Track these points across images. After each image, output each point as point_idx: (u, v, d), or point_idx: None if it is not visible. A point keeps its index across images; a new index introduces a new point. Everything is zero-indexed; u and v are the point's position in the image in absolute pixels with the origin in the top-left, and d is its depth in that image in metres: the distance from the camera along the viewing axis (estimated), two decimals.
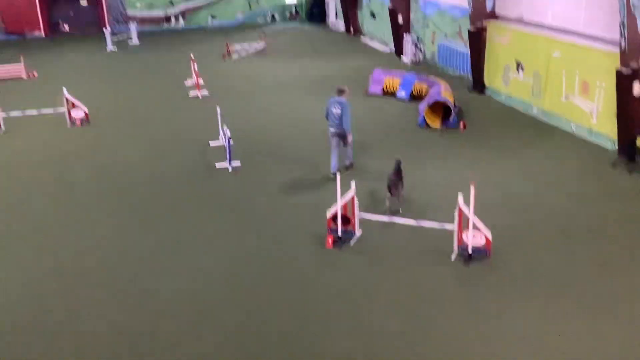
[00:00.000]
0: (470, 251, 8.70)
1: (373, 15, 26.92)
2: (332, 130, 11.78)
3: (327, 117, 11.86)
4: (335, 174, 10.58)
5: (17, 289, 8.36)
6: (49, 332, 7.40)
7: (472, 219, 8.56)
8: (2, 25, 30.84)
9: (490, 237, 8.71)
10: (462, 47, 19.36)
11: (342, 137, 11.82)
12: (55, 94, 17.67)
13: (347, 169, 12.16)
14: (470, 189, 8.38)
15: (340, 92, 11.76)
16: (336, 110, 11.59)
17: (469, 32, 17.53)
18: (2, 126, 15.40)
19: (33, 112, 16.12)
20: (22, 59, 21.90)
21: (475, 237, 8.68)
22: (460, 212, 8.68)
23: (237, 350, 7.03)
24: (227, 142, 12.31)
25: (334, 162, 11.83)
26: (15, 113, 15.84)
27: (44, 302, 8.05)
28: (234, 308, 7.83)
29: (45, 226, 10.24)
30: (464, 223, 8.72)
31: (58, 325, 7.54)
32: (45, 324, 7.57)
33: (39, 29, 31.19)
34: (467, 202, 8.58)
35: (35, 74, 21.81)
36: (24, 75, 21.51)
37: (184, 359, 6.91)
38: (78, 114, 15.78)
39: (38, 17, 30.93)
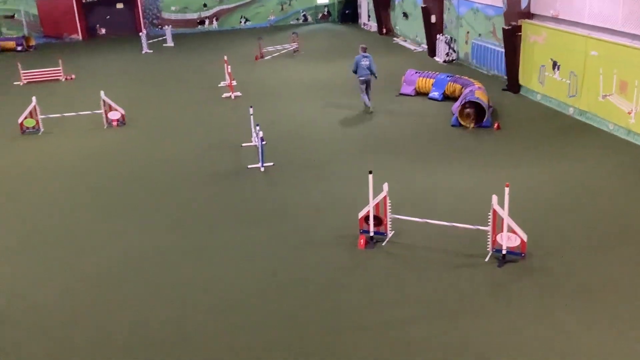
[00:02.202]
0: (504, 252, 8.59)
1: (405, 15, 26.78)
2: (362, 79, 15.86)
3: (355, 71, 15.92)
4: (369, 108, 15.93)
5: (53, 287, 8.54)
6: (85, 326, 7.56)
7: (507, 220, 8.45)
8: (41, 29, 31.60)
9: (525, 238, 8.58)
10: (497, 46, 19.13)
11: (368, 83, 15.96)
12: (92, 96, 18.03)
13: (369, 110, 16.07)
14: (504, 190, 8.27)
15: (364, 49, 16.02)
16: (365, 63, 15.75)
17: (504, 31, 17.31)
18: (41, 127, 15.78)
19: (71, 113, 16.47)
20: (60, 62, 22.41)
21: (510, 238, 8.56)
22: (495, 213, 8.58)
23: (268, 354, 7.06)
24: (260, 143, 12.39)
25: (367, 100, 16.10)
26: (53, 114, 16.22)
27: (79, 301, 8.21)
28: (262, 308, 7.86)
29: (79, 225, 10.45)
30: (498, 225, 8.61)
31: (90, 320, 7.70)
32: (78, 320, 7.73)
33: (77, 32, 31.88)
34: (501, 203, 8.47)
35: (73, 76, 22.29)
36: (62, 78, 22.01)
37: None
38: (114, 115, 16.07)
39: (76, 21, 31.64)
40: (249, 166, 12.70)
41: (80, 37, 31.92)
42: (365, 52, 15.85)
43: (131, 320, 7.71)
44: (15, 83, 21.67)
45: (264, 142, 12.50)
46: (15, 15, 31.33)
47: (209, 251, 9.38)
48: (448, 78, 17.33)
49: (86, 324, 7.65)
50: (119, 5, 32.35)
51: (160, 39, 29.50)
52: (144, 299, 8.16)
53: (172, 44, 28.59)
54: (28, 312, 7.94)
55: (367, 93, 16.16)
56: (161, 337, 7.35)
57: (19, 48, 29.10)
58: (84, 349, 7.17)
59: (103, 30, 32.69)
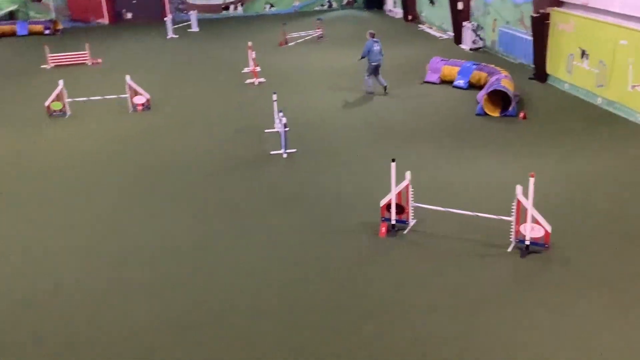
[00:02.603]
0: (527, 243, 8.51)
1: (432, 1, 26.49)
2: (375, 64, 16.33)
3: (366, 55, 16.32)
4: (373, 93, 16.52)
5: (79, 269, 8.69)
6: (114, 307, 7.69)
7: (531, 210, 8.37)
8: (69, 13, 31.89)
9: (549, 229, 8.49)
10: (524, 34, 18.84)
11: (378, 67, 16.44)
12: (117, 80, 18.19)
13: (386, 90, 16.62)
14: (529, 181, 8.19)
15: (373, 34, 16.54)
16: (377, 47, 16.22)
17: (532, 19, 17.03)
18: (68, 110, 15.98)
19: (97, 97, 16.65)
20: (87, 46, 22.61)
21: (534, 229, 8.48)
22: (519, 203, 8.50)
23: (290, 339, 7.11)
24: (283, 129, 12.40)
25: (371, 85, 16.65)
26: (79, 98, 16.41)
27: (104, 283, 8.34)
28: (284, 294, 7.91)
29: (103, 208, 10.59)
30: (521, 215, 8.53)
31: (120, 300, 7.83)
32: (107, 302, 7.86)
33: (104, 17, 32.12)
34: (525, 194, 8.39)
35: (99, 60, 22.49)
36: (89, 62, 22.22)
37: (247, 348, 7.03)
38: (140, 100, 16.20)
39: (102, 6, 31.87)
40: (272, 152, 12.74)
41: (106, 21, 32.17)
42: (374, 37, 16.40)
43: (154, 303, 7.81)
44: (42, 66, 21.94)
45: (287, 129, 12.51)
46: None
47: (231, 236, 9.45)
48: (474, 66, 17.13)
49: (111, 307, 7.77)
50: None
51: (185, 24, 29.58)
52: (168, 283, 8.25)
53: (197, 29, 28.66)
54: (55, 294, 8.09)
55: (378, 75, 16.70)
56: (184, 320, 7.44)
57: (47, 32, 29.41)
58: (109, 333, 7.29)
59: (129, 15, 32.88)
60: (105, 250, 9.18)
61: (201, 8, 32.77)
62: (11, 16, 31.40)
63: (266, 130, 14.06)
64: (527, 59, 18.75)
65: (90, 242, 9.43)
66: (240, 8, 33.63)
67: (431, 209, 9.44)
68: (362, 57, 16.57)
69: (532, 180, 8.19)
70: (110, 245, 9.30)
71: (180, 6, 32.86)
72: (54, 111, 15.92)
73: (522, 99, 15.46)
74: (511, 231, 8.75)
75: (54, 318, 7.56)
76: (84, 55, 22.29)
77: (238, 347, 6.93)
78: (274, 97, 14.06)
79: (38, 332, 7.30)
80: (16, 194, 11.29)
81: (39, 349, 7.01)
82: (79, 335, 7.21)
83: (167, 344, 7.02)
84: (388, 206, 9.30)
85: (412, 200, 9.34)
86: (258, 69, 19.16)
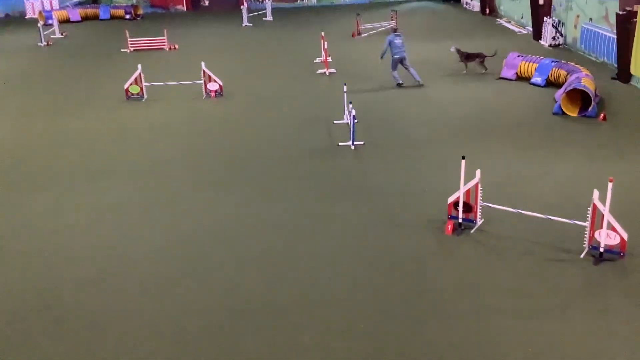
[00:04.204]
0: (602, 250, 8.16)
1: None
2: (397, 57, 16.42)
3: (388, 49, 16.45)
4: (402, 83, 16.74)
5: (148, 247, 8.96)
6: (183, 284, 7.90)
7: (607, 216, 8.00)
8: (148, 0, 32.87)
9: (625, 237, 8.10)
10: (608, 32, 18.01)
11: (403, 60, 16.52)
12: (193, 66, 18.63)
13: (420, 84, 16.76)
14: (607, 185, 7.83)
15: (395, 29, 17.44)
16: (399, 41, 16.37)
17: (617, 16, 16.24)
18: (145, 94, 16.49)
19: (173, 82, 17.10)
20: (165, 31, 23.24)
21: (609, 236, 8.11)
22: (595, 208, 8.14)
23: (347, 335, 7.10)
24: (352, 121, 12.36)
25: (399, 77, 16.76)
26: (156, 82, 16.90)
27: (172, 263, 8.57)
28: (348, 286, 7.89)
29: (175, 190, 10.87)
30: (597, 221, 8.18)
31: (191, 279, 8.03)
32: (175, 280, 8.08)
33: (182, 3, 32.94)
34: (602, 199, 8.03)
35: (177, 46, 23.08)
36: (166, 47, 22.84)
37: (313, 335, 7.08)
38: (213, 86, 16.53)
39: None
40: (340, 144, 12.72)
41: (184, 8, 32.96)
42: (396, 32, 16.83)
43: (219, 286, 7.97)
44: (122, 50, 22.73)
45: (356, 120, 12.46)
46: None
47: (297, 225, 9.51)
48: (553, 63, 16.52)
49: (181, 286, 7.98)
50: None
51: (260, 12, 29.94)
52: (234, 267, 8.40)
53: (271, 18, 28.97)
54: (125, 269, 8.38)
55: (408, 68, 16.76)
56: (246, 305, 7.54)
57: (128, 16, 30.48)
58: (178, 312, 7.49)
59: (207, 2, 33.59)
60: (179, 229, 9.42)
61: None
62: (95, 0, 32.68)
63: (335, 121, 14.05)
64: (610, 58, 17.95)
65: (164, 221, 9.70)
66: None
67: (500, 209, 9.19)
68: (383, 54, 16.73)
69: (610, 185, 7.83)
70: (183, 226, 9.54)
71: None
72: (132, 94, 16.46)
73: (603, 100, 14.81)
74: (585, 237, 8.40)
75: (124, 296, 7.83)
76: (162, 40, 22.93)
77: (304, 335, 6.97)
78: (344, 88, 14.03)
79: (108, 310, 7.58)
80: (91, 172, 11.75)
81: (107, 327, 7.27)
82: (148, 314, 7.44)
83: (233, 326, 7.14)
84: (455, 204, 9.12)
85: (481, 200, 9.12)
86: (329, 59, 19.15)
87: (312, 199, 10.39)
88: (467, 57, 18.13)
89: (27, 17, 31.84)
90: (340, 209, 9.98)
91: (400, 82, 16.75)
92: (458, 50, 18.23)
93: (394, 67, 16.70)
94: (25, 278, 8.22)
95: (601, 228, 8.10)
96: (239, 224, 9.58)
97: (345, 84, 14.14)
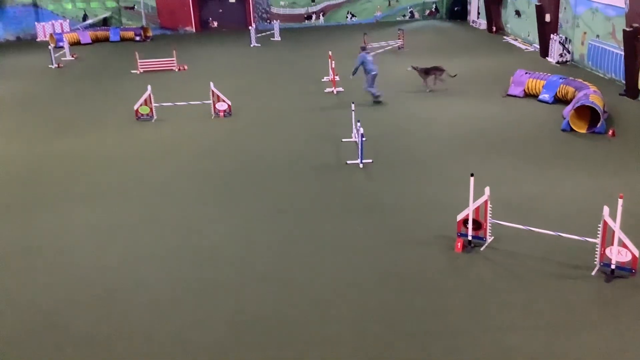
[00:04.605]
0: (613, 267, 8.10)
1: (518, 13, 25.85)
2: (374, 73, 16.89)
3: (360, 67, 16.94)
4: (380, 95, 17.25)
5: (158, 265, 8.98)
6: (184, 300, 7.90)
7: (618, 233, 7.96)
8: (158, 21, 33.26)
9: (637, 254, 8.04)
10: (615, 48, 18.04)
11: (375, 76, 17.02)
12: (202, 86, 18.78)
13: (378, 100, 17.27)
14: (617, 202, 7.80)
15: (365, 48, 17.57)
16: (371, 58, 17.01)
17: (624, 33, 16.28)
18: (155, 114, 16.63)
19: (182, 103, 17.24)
20: (174, 52, 23.48)
21: (620, 253, 8.06)
22: (605, 225, 8.10)
23: (356, 353, 7.07)
24: (360, 139, 12.40)
25: (376, 91, 17.22)
26: (166, 103, 17.04)
27: (181, 280, 8.58)
28: (357, 303, 7.87)
29: (184, 208, 10.91)
30: (607, 237, 8.13)
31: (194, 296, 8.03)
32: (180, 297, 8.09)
33: (191, 25, 33.31)
34: (613, 215, 7.99)
35: (186, 67, 23.30)
36: (176, 68, 23.06)
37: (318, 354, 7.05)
38: (222, 106, 16.65)
39: (191, 14, 33.07)
40: (348, 162, 12.75)
41: (193, 29, 33.33)
42: (365, 49, 17.46)
43: (228, 303, 7.96)
44: (132, 71, 22.96)
45: (364, 139, 12.50)
46: (135, 7, 33.18)
47: (305, 242, 9.51)
48: (561, 80, 16.55)
49: (189, 304, 7.98)
50: (232, 0, 33.46)
51: (268, 33, 30.20)
52: (242, 284, 8.40)
53: (279, 38, 29.22)
54: (136, 288, 8.40)
55: (374, 84, 17.24)
56: (254, 323, 7.53)
57: (137, 38, 30.80)
58: (185, 329, 7.48)
59: (215, 24, 33.94)
60: (188, 247, 9.44)
61: (284, 18, 33.41)
62: (105, 22, 33.11)
63: (343, 140, 14.10)
64: (617, 74, 17.95)
65: (171, 239, 9.74)
66: (321, 18, 34.02)
67: (510, 227, 9.16)
68: (356, 70, 17.08)
69: (620, 202, 7.80)
70: (192, 243, 9.56)
71: (264, 15, 33.60)
72: (142, 115, 16.60)
73: (612, 116, 14.79)
74: (596, 254, 8.35)
75: (133, 313, 7.84)
76: (172, 61, 23.16)
77: (313, 353, 6.94)
78: (352, 106, 14.09)
79: (118, 325, 7.59)
80: (101, 192, 11.82)
81: (117, 342, 7.28)
82: (157, 331, 7.44)
83: (240, 344, 7.12)
84: (465, 221, 9.10)
85: (490, 217, 9.09)
86: (337, 78, 19.27)
87: (320, 217, 10.39)
88: (425, 72, 18.51)
89: (38, 39, 32.26)
90: (349, 227, 9.98)
91: (379, 94, 17.26)
92: (415, 68, 18.67)
93: (371, 84, 17.12)
94: (30, 296, 8.25)
95: (612, 245, 8.06)
96: (247, 242, 9.60)
97: (353, 103, 14.21)
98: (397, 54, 24.29)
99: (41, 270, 8.97)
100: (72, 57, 26.61)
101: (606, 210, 8.08)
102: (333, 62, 19.32)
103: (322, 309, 7.78)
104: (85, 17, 33.14)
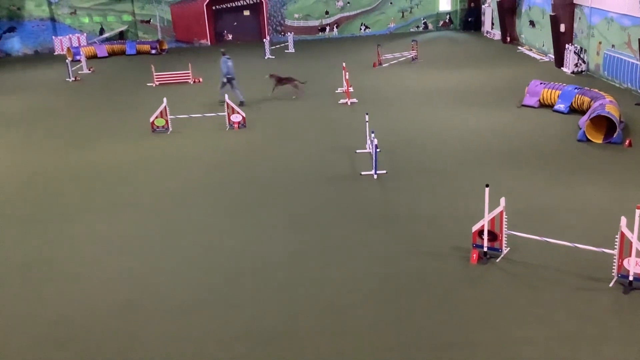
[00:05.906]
0: (631, 279, 8.01)
1: (532, 23, 25.79)
2: (229, 76, 18.52)
3: (228, 73, 18.46)
4: (243, 102, 18.71)
5: (174, 276, 9.02)
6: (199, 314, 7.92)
7: (636, 244, 7.87)
8: (174, 34, 33.60)
9: None
10: (631, 58, 17.93)
11: (232, 80, 18.62)
12: (216, 98, 18.91)
13: (242, 104, 18.47)
14: (635, 212, 7.72)
15: (224, 53, 18.81)
16: (230, 64, 18.52)
17: None
18: (170, 126, 16.76)
19: (197, 115, 17.36)
20: (189, 65, 23.69)
21: (638, 264, 7.96)
22: (622, 236, 8.02)
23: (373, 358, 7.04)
24: (374, 150, 12.41)
25: (240, 95, 18.85)
26: (181, 115, 17.18)
27: (197, 291, 8.61)
28: (372, 314, 7.85)
29: (200, 219, 10.97)
30: (625, 249, 8.05)
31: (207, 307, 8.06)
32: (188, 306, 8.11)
33: (206, 37, 33.59)
34: (630, 226, 7.91)
35: (201, 79, 23.48)
36: (191, 81, 23.25)
37: None
38: (236, 118, 16.75)
39: (206, 27, 33.37)
40: (362, 173, 12.75)
41: (209, 42, 33.60)
42: (225, 54, 18.79)
43: (243, 314, 7.98)
44: (148, 84, 23.18)
45: (378, 150, 12.50)
46: (151, 21, 33.55)
47: (321, 253, 9.51)
48: (576, 90, 16.46)
49: (201, 314, 8.00)
50: (246, 12, 33.73)
51: (282, 45, 30.38)
52: (257, 295, 8.41)
53: (293, 50, 29.37)
54: (153, 298, 8.45)
55: (235, 89, 18.81)
56: (270, 333, 7.54)
57: (153, 51, 31.12)
58: (199, 341, 7.51)
59: (230, 36, 34.20)
60: (204, 257, 9.48)
61: (298, 30, 33.59)
62: (121, 36, 33.50)
63: (357, 151, 14.11)
64: (634, 83, 17.82)
65: (187, 250, 9.78)
66: (335, 30, 34.16)
67: (526, 237, 9.10)
68: (228, 76, 18.55)
69: (638, 212, 7.72)
70: (208, 254, 9.61)
71: (278, 28, 33.81)
72: (157, 127, 16.74)
73: (628, 126, 14.68)
74: (614, 265, 8.26)
75: (151, 322, 7.87)
76: (187, 74, 23.36)
77: None
78: (366, 117, 14.11)
79: (137, 336, 7.63)
80: (118, 204, 11.92)
81: (135, 352, 7.31)
82: (174, 341, 7.46)
83: (257, 354, 7.12)
84: (480, 232, 9.05)
85: (506, 228, 9.04)
86: (351, 89, 19.32)
87: (336, 228, 10.39)
88: (279, 80, 19.90)
89: (55, 53, 32.71)
90: (364, 237, 9.97)
91: (243, 100, 18.76)
92: (272, 75, 20.15)
93: (232, 87, 18.62)
94: (50, 307, 8.33)
95: (630, 256, 7.97)
96: (263, 252, 9.62)
97: (367, 114, 14.22)
98: (411, 66, 24.31)
99: (60, 281, 9.06)
100: (89, 70, 26.94)
101: (623, 221, 8.01)
102: (347, 73, 19.38)
103: (338, 320, 7.77)
104: (102, 31, 33.56)
